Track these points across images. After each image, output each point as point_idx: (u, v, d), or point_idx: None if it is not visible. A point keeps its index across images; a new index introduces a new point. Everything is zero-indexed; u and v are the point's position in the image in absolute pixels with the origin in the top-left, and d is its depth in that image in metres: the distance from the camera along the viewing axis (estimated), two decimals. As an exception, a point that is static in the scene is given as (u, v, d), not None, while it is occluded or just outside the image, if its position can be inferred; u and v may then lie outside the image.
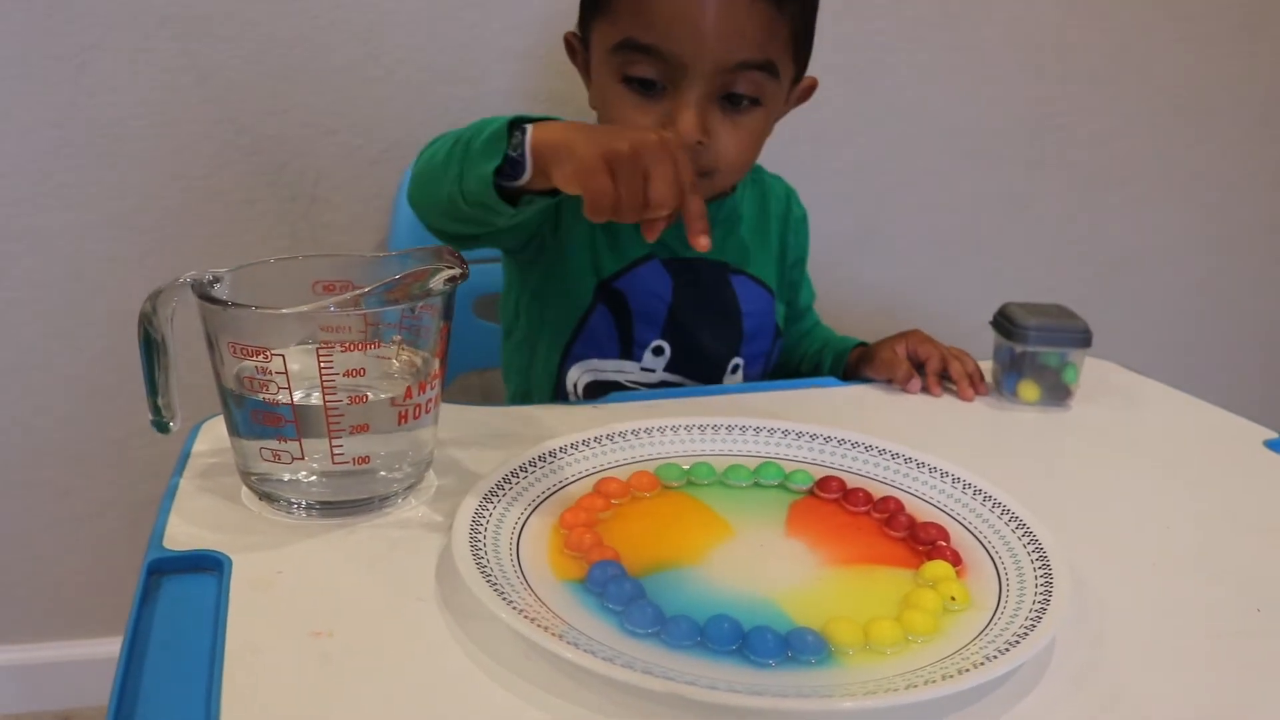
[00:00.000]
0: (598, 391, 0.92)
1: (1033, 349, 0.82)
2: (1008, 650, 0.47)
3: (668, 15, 0.78)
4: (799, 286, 1.06)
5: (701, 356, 0.94)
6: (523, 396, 0.98)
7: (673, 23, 0.78)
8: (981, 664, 0.46)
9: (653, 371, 0.93)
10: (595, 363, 0.92)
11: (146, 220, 1.19)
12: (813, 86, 0.93)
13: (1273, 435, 0.79)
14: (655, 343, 0.92)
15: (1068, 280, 1.51)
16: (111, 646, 1.34)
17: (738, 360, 0.96)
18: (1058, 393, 0.84)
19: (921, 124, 1.38)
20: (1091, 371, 0.88)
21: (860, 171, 1.38)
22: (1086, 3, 1.37)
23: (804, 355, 1.04)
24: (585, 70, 0.90)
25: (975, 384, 0.86)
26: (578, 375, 0.92)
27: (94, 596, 1.34)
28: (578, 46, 0.91)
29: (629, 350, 0.92)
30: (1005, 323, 0.85)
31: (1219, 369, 1.64)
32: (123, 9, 1.11)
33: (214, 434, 0.69)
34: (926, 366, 0.87)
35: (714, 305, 0.94)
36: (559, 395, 0.93)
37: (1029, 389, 0.84)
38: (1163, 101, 1.45)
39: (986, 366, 0.89)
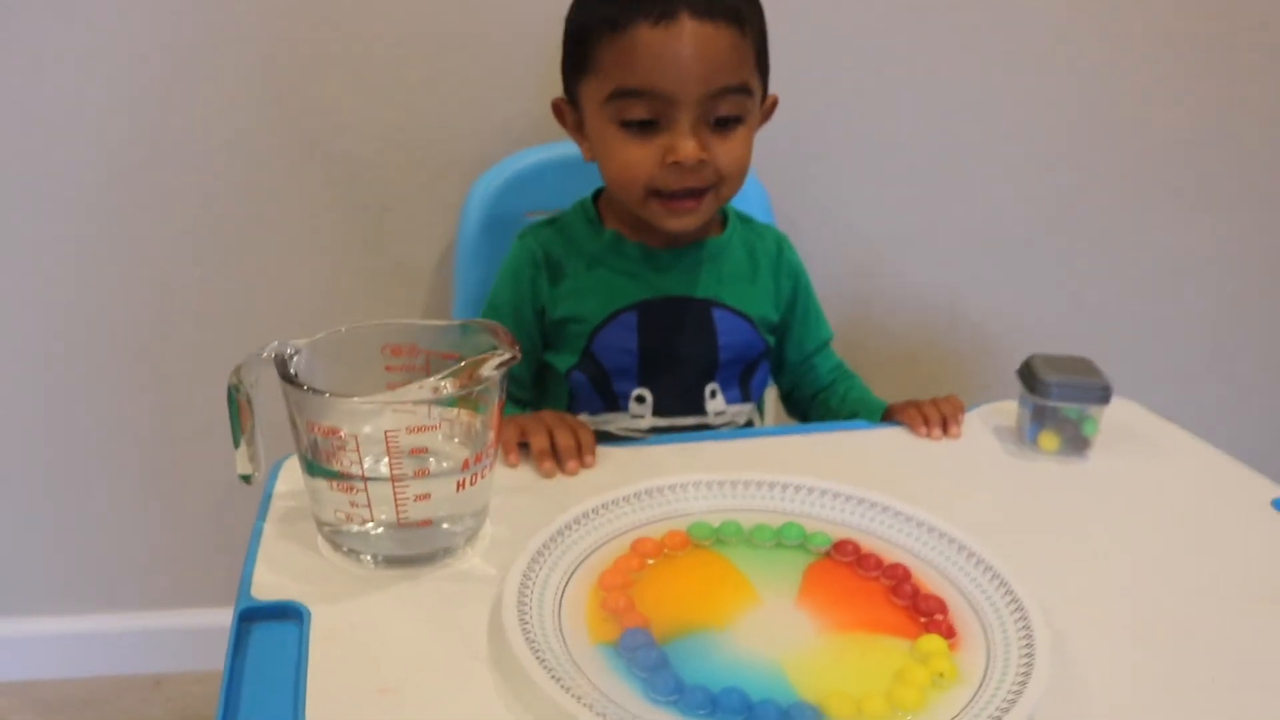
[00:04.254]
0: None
1: (1053, 404, 0.87)
2: (983, 733, 0.53)
3: (651, 59, 0.88)
4: (807, 326, 1.09)
5: (680, 392, 1.01)
6: None
7: (657, 65, 0.88)
8: (958, 745, 0.52)
9: (641, 418, 1.01)
10: (586, 417, 1.01)
11: (227, 227, 1.27)
12: (775, 103, 1.01)
13: (1278, 493, 0.82)
14: (636, 392, 1.00)
15: (1105, 303, 1.52)
16: (197, 617, 1.47)
17: (713, 385, 1.02)
18: (1077, 444, 0.88)
19: (960, 145, 1.40)
20: (1114, 414, 0.92)
21: (899, 193, 1.41)
22: (1131, 28, 1.36)
23: (831, 410, 1.08)
24: (576, 129, 0.99)
25: (946, 426, 0.91)
26: None
27: (181, 569, 1.47)
28: (566, 109, 1.00)
29: (614, 403, 1.01)
30: (1029, 375, 0.89)
31: (1255, 393, 1.64)
32: (204, 29, 1.18)
33: (292, 473, 0.77)
34: (921, 412, 0.93)
35: (685, 337, 1.01)
36: None
37: (1049, 439, 0.88)
38: (1202, 126, 1.45)
39: (1013, 408, 0.93)
